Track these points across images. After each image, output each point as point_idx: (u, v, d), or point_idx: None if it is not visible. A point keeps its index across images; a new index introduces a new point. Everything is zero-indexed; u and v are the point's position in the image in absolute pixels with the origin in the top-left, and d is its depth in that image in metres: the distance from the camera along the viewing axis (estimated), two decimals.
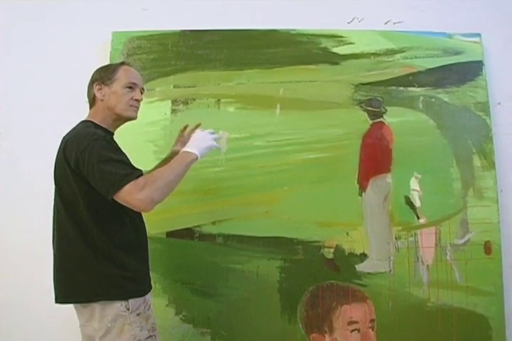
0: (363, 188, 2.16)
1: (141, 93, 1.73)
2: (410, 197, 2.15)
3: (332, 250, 2.11)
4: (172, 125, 2.18)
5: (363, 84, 2.23)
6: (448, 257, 2.12)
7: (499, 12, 2.34)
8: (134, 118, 1.72)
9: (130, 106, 1.68)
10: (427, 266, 2.12)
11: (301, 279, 2.10)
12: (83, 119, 1.67)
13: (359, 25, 2.30)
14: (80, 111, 2.01)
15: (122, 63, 1.74)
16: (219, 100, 2.21)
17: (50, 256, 1.62)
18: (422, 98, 2.23)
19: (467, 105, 2.23)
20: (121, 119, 1.70)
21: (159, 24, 2.28)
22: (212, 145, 1.72)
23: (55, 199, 1.62)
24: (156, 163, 1.98)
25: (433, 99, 2.23)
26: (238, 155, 2.16)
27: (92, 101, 1.69)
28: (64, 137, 1.62)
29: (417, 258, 2.12)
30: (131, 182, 1.45)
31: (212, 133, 1.76)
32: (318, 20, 2.28)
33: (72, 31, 2.32)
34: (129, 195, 1.44)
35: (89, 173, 1.48)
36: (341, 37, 2.26)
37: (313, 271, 2.10)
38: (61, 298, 1.57)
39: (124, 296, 1.54)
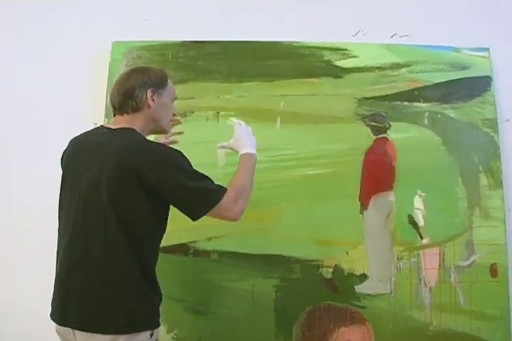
0: (364, 206, 2.09)
1: None
2: (413, 216, 2.08)
3: (331, 269, 2.04)
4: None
5: (366, 98, 2.16)
6: (452, 279, 2.04)
7: (509, 26, 2.27)
8: (169, 132, 1.73)
9: (171, 121, 1.66)
10: (430, 288, 2.04)
11: (298, 299, 2.02)
12: (125, 126, 1.51)
13: (364, 38, 2.24)
14: (78, 120, 2.09)
15: (164, 70, 1.65)
16: (218, 113, 2.15)
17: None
18: (427, 113, 2.15)
19: (474, 121, 2.15)
20: (156, 132, 1.66)
21: (160, 35, 2.22)
22: (255, 139, 1.73)
23: (86, 220, 1.43)
24: None
25: (439, 115, 2.16)
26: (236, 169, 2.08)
27: (137, 106, 1.53)
28: (106, 143, 1.47)
29: (420, 280, 2.04)
30: (225, 197, 1.46)
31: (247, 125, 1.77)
32: (322, 32, 2.22)
33: (72, 41, 2.28)
34: (227, 210, 1.48)
35: (175, 191, 1.42)
36: (345, 50, 2.19)
37: (310, 290, 2.03)
38: (83, 324, 1.39)
39: (155, 325, 1.47)
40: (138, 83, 1.54)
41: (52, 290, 1.49)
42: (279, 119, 2.15)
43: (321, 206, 2.08)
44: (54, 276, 1.49)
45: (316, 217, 2.08)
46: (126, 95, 1.53)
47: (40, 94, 2.27)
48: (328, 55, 2.19)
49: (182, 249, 2.05)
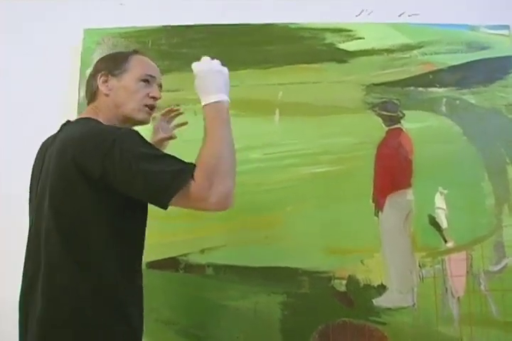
0: (379, 207, 1.85)
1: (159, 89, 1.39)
2: (435, 216, 1.84)
3: (344, 281, 1.80)
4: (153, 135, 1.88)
5: (375, 84, 1.94)
6: (482, 287, 1.80)
7: None
8: (146, 122, 1.37)
9: (144, 105, 1.33)
10: (458, 298, 1.79)
11: (308, 317, 1.78)
12: (81, 117, 1.32)
13: (369, 19, 2.01)
14: (48, 116, 1.86)
15: (135, 51, 1.39)
16: None
17: None
18: (444, 100, 1.93)
19: (497, 107, 1.93)
20: (129, 122, 1.33)
21: (138, 20, 1.99)
22: (227, 79, 1.28)
23: (37, 223, 1.20)
24: None
25: (457, 101, 1.93)
26: None
27: (93, 95, 1.34)
28: (55, 139, 1.25)
29: (446, 290, 1.80)
30: (192, 183, 1.09)
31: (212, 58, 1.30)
32: (322, 12, 2.00)
33: (39, 30, 2.05)
34: (199, 200, 1.09)
35: (125, 179, 1.10)
36: (349, 31, 1.97)
37: (322, 306, 1.79)
38: None
39: None
40: (91, 72, 1.37)
41: None
42: (277, 111, 1.92)
43: (330, 209, 1.85)
44: None
45: (325, 222, 1.84)
46: (86, 86, 1.38)
47: (7, 88, 2.04)
48: (330, 38, 1.97)
49: (172, 263, 1.82)
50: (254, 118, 1.90)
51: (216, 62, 1.29)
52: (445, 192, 1.86)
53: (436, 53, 1.96)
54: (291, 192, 1.86)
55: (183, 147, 1.81)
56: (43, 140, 1.39)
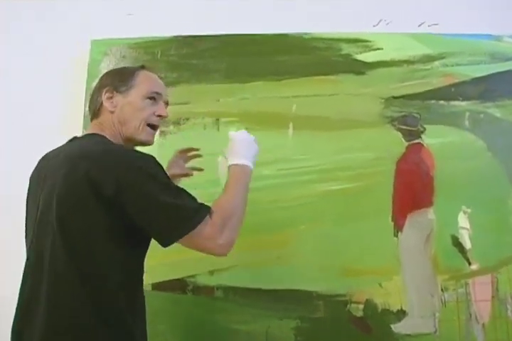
0: (398, 227, 1.75)
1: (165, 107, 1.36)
2: (458, 237, 1.74)
3: (361, 306, 1.70)
4: (161, 150, 1.77)
5: (394, 97, 1.85)
6: (509, 313, 1.69)
7: None
8: (149, 143, 1.33)
9: (148, 125, 1.29)
10: (483, 324, 1.68)
11: None
12: (88, 133, 1.28)
13: (387, 29, 1.94)
14: (53, 128, 1.83)
15: (142, 67, 1.36)
16: (218, 119, 1.85)
17: None
18: (467, 114, 1.84)
19: None
20: (131, 142, 1.30)
21: (147, 31, 1.93)
22: (257, 150, 1.37)
23: (39, 238, 1.16)
24: None
25: (481, 115, 1.84)
26: None
27: (98, 111, 1.30)
28: (59, 153, 1.21)
29: (470, 315, 1.69)
30: (208, 222, 1.12)
31: (248, 133, 1.40)
32: (337, 22, 1.93)
33: (45, 40, 2.00)
34: (209, 239, 1.11)
35: (141, 205, 1.09)
36: (367, 41, 1.89)
37: (337, 332, 1.68)
38: None
39: None
40: (96, 87, 1.33)
41: None
42: (291, 125, 1.84)
43: (346, 228, 1.75)
44: None
45: (341, 242, 1.74)
46: (90, 102, 1.35)
47: (17, 101, 1.98)
48: (346, 48, 1.89)
49: (178, 285, 1.73)
50: (266, 132, 1.81)
51: (253, 137, 1.39)
52: (469, 210, 1.75)
53: (458, 65, 1.87)
54: (305, 210, 1.77)
55: (193, 161, 1.78)
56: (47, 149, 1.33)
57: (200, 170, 1.64)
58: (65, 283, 1.09)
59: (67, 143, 1.30)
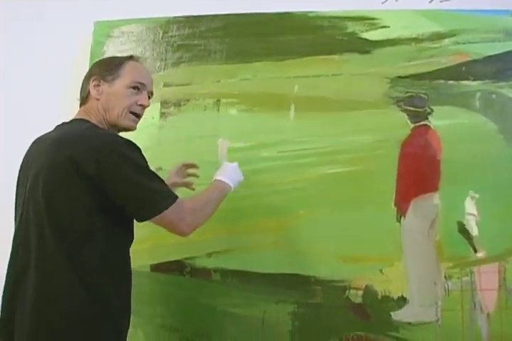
0: (402, 212, 1.69)
1: (149, 97, 1.45)
2: (465, 223, 1.67)
3: (360, 292, 1.66)
4: (161, 132, 1.82)
5: (401, 77, 1.76)
6: None
7: None
8: (131, 129, 1.43)
9: (130, 112, 1.39)
10: (488, 314, 1.62)
11: (320, 329, 1.65)
12: (74, 118, 1.37)
13: (396, 6, 1.84)
14: (55, 111, 1.81)
15: (130, 57, 1.44)
16: (218, 101, 1.83)
17: None
18: (478, 94, 1.73)
19: None
20: (114, 127, 1.40)
21: (149, 11, 1.92)
22: (241, 180, 1.56)
23: (27, 218, 1.25)
24: None
25: (493, 96, 1.73)
26: (241, 169, 1.67)
27: (85, 98, 1.40)
28: (51, 137, 1.30)
29: (474, 305, 1.62)
30: (179, 203, 1.26)
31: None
32: (343, 0, 1.84)
33: (48, 23, 2.01)
34: (179, 218, 1.26)
35: (118, 184, 1.21)
36: (373, 19, 1.80)
37: (335, 319, 1.65)
38: None
39: None
40: (86, 75, 1.43)
41: None
42: (292, 107, 1.79)
43: (347, 213, 1.71)
44: None
45: (341, 227, 1.70)
46: (81, 88, 1.44)
47: (20, 85, 2.02)
48: (351, 26, 1.81)
49: (176, 266, 1.74)
50: (267, 114, 1.79)
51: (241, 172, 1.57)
52: (476, 196, 1.67)
53: (470, 42, 1.77)
54: (305, 194, 1.73)
55: (193, 143, 1.78)
56: None
57: (196, 176, 1.70)
58: (52, 258, 1.19)
59: (55, 127, 1.39)
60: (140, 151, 1.26)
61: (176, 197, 1.27)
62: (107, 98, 1.36)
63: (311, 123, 1.78)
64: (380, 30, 1.80)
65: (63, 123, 1.38)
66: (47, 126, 1.39)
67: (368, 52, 1.79)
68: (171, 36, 1.88)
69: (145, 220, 1.25)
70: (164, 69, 1.86)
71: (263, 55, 1.83)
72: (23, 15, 2.04)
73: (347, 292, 1.67)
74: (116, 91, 1.36)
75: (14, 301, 1.22)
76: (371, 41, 1.80)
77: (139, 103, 1.38)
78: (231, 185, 1.48)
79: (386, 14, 1.80)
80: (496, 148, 1.71)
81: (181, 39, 1.88)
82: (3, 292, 1.26)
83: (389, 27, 1.79)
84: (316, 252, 1.69)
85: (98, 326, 1.19)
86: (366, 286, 1.66)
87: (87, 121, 1.33)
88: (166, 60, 1.86)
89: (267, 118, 1.79)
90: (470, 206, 1.68)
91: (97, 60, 1.56)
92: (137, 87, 1.38)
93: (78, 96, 1.80)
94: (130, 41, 1.90)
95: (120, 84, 1.36)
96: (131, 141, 1.26)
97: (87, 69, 1.83)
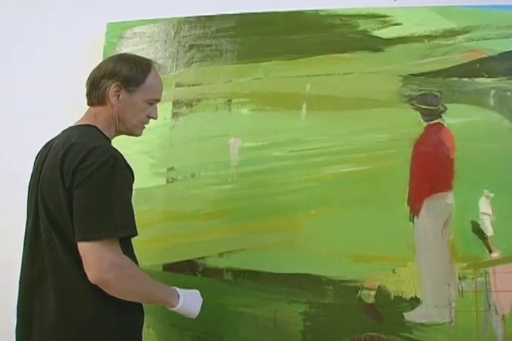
0: (415, 211, 1.67)
1: None
2: (479, 223, 1.63)
3: (373, 292, 1.64)
4: (172, 132, 1.83)
5: (414, 75, 1.73)
6: None
7: None
8: (138, 136, 1.48)
9: (142, 123, 1.44)
10: (503, 316, 1.58)
11: (331, 330, 1.64)
12: (86, 123, 1.36)
13: (408, 2, 1.80)
14: (67, 111, 1.76)
15: (152, 64, 1.42)
16: (230, 100, 1.83)
17: None
18: (493, 91, 1.69)
19: None
20: (123, 134, 1.45)
21: (160, 12, 1.92)
22: (195, 314, 1.43)
23: (35, 222, 1.29)
24: (154, 178, 1.71)
25: (508, 93, 1.69)
26: (253, 168, 1.75)
27: (100, 99, 1.36)
28: (58, 146, 1.30)
29: (489, 306, 1.59)
30: (117, 245, 1.20)
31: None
32: None
33: (63, 24, 2.03)
34: (100, 259, 1.16)
35: (83, 193, 1.19)
36: (385, 16, 1.77)
37: (347, 319, 1.64)
38: None
39: None
40: (107, 72, 1.36)
41: None
42: (304, 106, 1.78)
43: (360, 212, 1.69)
44: None
45: (354, 226, 1.69)
46: (92, 84, 1.38)
47: (34, 86, 2.05)
48: (363, 24, 1.79)
49: (188, 266, 1.75)
50: (279, 113, 1.78)
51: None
52: (491, 195, 1.64)
53: (484, 39, 1.72)
54: (317, 194, 1.72)
55: (204, 143, 1.78)
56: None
57: None
58: (66, 270, 1.23)
59: (62, 132, 1.39)
60: (128, 173, 1.26)
61: (132, 231, 1.23)
62: (124, 108, 1.36)
63: (323, 122, 1.76)
64: (392, 28, 1.77)
65: (69, 128, 1.38)
66: (58, 127, 1.40)
67: (380, 50, 1.76)
68: (183, 36, 1.89)
69: (76, 240, 1.18)
70: (176, 69, 1.87)
71: (274, 54, 1.82)
72: (35, 16, 2.06)
73: (359, 292, 1.65)
74: (134, 103, 1.36)
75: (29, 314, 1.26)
76: (383, 39, 1.77)
77: (150, 115, 1.42)
78: (178, 305, 1.35)
79: (398, 11, 1.78)
80: (510, 146, 1.66)
81: (193, 39, 1.88)
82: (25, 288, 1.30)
83: (401, 24, 1.76)
84: (328, 252, 1.68)
85: (122, 333, 1.25)
86: (379, 286, 1.65)
87: (93, 128, 1.33)
88: (177, 60, 1.86)
89: (278, 117, 1.78)
90: (484, 205, 1.64)
91: (121, 53, 1.56)
92: (153, 103, 1.42)
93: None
94: (142, 42, 1.92)
95: (140, 97, 1.37)
96: (131, 169, 1.28)
97: None
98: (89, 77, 1.39)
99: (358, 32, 1.79)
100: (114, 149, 1.29)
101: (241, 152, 1.75)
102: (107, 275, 1.16)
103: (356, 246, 1.67)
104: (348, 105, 1.76)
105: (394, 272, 1.64)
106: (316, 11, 1.82)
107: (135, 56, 1.44)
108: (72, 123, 1.40)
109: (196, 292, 1.45)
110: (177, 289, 1.38)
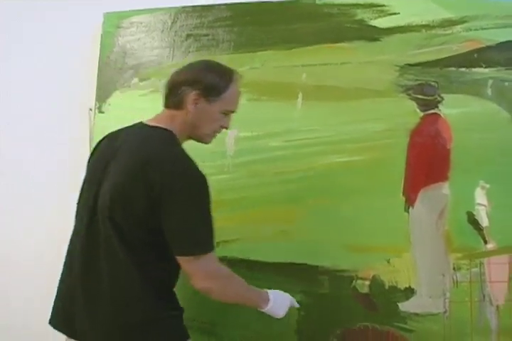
0: (410, 202, 1.67)
1: None
2: (474, 213, 1.64)
3: (367, 282, 1.66)
4: None
5: (411, 65, 1.73)
6: None
7: None
8: (207, 143, 1.46)
9: (214, 132, 1.43)
10: (497, 307, 1.60)
11: (326, 319, 1.67)
12: (163, 126, 1.35)
13: None
14: (65, 101, 1.90)
15: (234, 75, 1.39)
16: None
17: None
18: (491, 82, 1.69)
19: None
20: (194, 140, 1.44)
21: (157, 1, 1.92)
22: (279, 315, 1.46)
23: (96, 223, 1.32)
24: None
25: (506, 83, 1.69)
26: (249, 158, 1.76)
27: (177, 104, 1.35)
28: (128, 138, 1.35)
29: (483, 297, 1.60)
30: (214, 259, 1.31)
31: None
32: None
33: (59, 14, 2.03)
34: (204, 269, 1.28)
35: (175, 212, 1.24)
36: (382, 6, 1.76)
37: (341, 309, 1.66)
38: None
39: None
40: (188, 79, 1.35)
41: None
42: (300, 95, 1.78)
43: (355, 202, 1.70)
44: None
45: (349, 216, 1.70)
46: (172, 88, 1.37)
47: (30, 76, 2.06)
48: (360, 14, 1.77)
49: None
50: (275, 103, 1.78)
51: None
52: (487, 186, 1.64)
53: (482, 28, 1.71)
54: (313, 184, 1.73)
55: None
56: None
57: None
58: (122, 267, 1.28)
59: (134, 129, 1.40)
60: (207, 188, 1.27)
61: (210, 249, 1.28)
62: (200, 116, 1.35)
63: (319, 111, 1.76)
64: (389, 17, 1.75)
65: (143, 126, 1.38)
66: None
67: (377, 39, 1.76)
68: (180, 26, 1.88)
69: (179, 255, 1.26)
70: (173, 59, 1.86)
71: (271, 43, 1.81)
72: (33, 6, 2.05)
73: (354, 282, 1.67)
74: (211, 113, 1.36)
75: (86, 277, 1.31)
76: (380, 28, 1.76)
77: (223, 126, 1.41)
78: (267, 307, 1.42)
79: (395, 1, 1.76)
80: (508, 137, 1.67)
81: (189, 29, 1.87)
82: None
83: (398, 14, 1.75)
84: (323, 241, 1.69)
85: (174, 323, 1.37)
86: (373, 276, 1.66)
87: (169, 133, 1.33)
88: (174, 50, 1.85)
89: (274, 107, 1.78)
90: (480, 196, 1.64)
91: (205, 60, 1.47)
92: (228, 114, 1.40)
93: (95, 88, 1.87)
94: (139, 31, 1.91)
95: (217, 107, 1.36)
96: (205, 178, 1.27)
97: (97, 60, 1.90)
98: (168, 81, 1.38)
99: (355, 21, 1.78)
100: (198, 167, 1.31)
101: (237, 142, 1.75)
102: (209, 285, 1.28)
103: (351, 236, 1.68)
104: (345, 95, 1.75)
105: (389, 262, 1.65)
106: (313, 1, 1.81)
107: (219, 65, 1.41)
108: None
109: (287, 296, 1.49)
110: (268, 292, 1.43)
